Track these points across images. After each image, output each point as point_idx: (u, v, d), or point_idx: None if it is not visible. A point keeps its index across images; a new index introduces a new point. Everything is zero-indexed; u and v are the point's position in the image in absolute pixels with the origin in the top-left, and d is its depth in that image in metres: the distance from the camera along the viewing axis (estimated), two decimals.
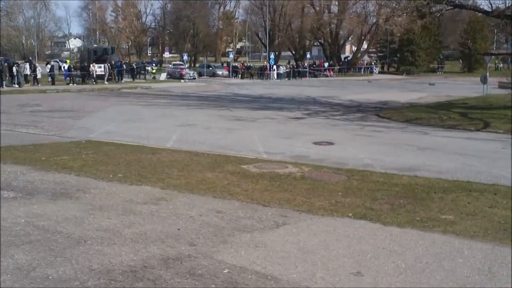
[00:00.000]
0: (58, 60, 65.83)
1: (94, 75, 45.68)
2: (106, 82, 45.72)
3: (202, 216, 8.09)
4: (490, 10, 26.97)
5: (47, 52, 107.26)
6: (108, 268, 6.00)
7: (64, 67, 46.32)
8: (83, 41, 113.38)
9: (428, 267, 6.21)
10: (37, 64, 46.59)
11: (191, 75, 56.32)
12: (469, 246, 6.95)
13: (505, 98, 27.97)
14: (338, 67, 70.60)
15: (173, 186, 9.92)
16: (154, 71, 57.38)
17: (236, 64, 69.75)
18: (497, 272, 6.09)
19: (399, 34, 69.71)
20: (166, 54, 68.10)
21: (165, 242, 6.91)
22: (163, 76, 56.07)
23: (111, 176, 10.70)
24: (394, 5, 30.18)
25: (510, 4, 26.32)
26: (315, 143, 16.26)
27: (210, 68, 65.04)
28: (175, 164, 12.08)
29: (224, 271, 5.99)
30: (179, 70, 56.68)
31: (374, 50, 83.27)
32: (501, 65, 71.24)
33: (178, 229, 7.44)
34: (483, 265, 6.29)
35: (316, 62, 71.00)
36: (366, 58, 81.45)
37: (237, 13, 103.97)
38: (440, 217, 8.25)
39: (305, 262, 6.33)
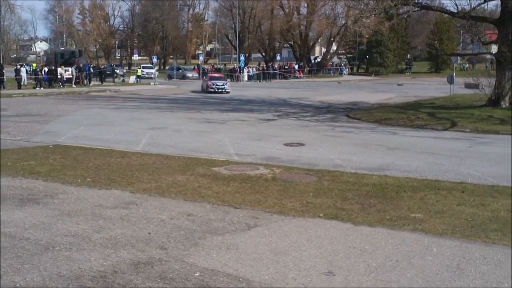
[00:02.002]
0: (24, 64, 64.65)
1: (64, 78, 45.02)
2: (74, 86, 45.12)
3: (173, 220, 8.03)
4: (455, 11, 27.45)
5: (12, 56, 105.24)
6: (77, 274, 5.90)
7: (45, 70, 45.37)
8: (50, 44, 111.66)
9: (398, 265, 6.28)
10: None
11: (220, 86, 41.21)
12: (438, 243, 7.05)
13: (472, 98, 28.52)
14: (308, 68, 70.99)
15: (143, 190, 9.83)
16: (139, 73, 56.69)
17: (206, 67, 69.58)
18: (465, 268, 6.19)
19: (367, 36, 70.51)
20: (135, 57, 67.58)
21: (135, 246, 6.83)
22: (132, 79, 55.50)
23: (79, 180, 10.54)
24: (362, 6, 30.48)
25: (475, 5, 26.88)
26: (286, 145, 16.32)
27: (180, 71, 64.76)
28: (145, 167, 11.98)
29: (196, 274, 5.95)
30: (207, 81, 42.22)
31: (343, 51, 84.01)
32: (467, 65, 72.58)
33: (149, 233, 7.37)
34: (452, 262, 6.39)
35: (287, 64, 71.31)
36: (335, 59, 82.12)
37: (206, 15, 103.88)
38: (410, 215, 8.36)
39: (277, 263, 6.34)
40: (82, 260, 6.30)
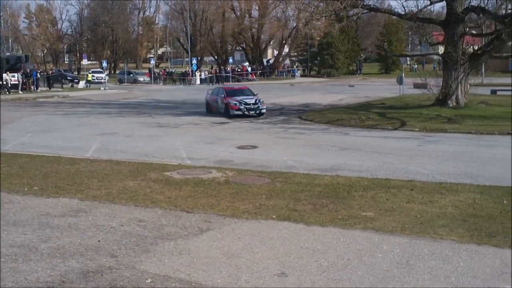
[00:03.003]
0: None
1: (9, 85, 43.70)
2: (20, 92, 43.85)
3: (123, 226, 7.89)
4: (403, 13, 28.05)
5: None
6: (24, 285, 5.72)
7: None
8: None
9: (349, 263, 6.34)
10: None
11: (252, 106, 25.57)
12: (388, 241, 7.17)
13: (420, 98, 29.21)
14: (260, 71, 71.22)
15: (92, 197, 9.62)
16: (89, 78, 55.21)
17: (158, 70, 68.94)
18: (414, 264, 6.31)
19: (318, 38, 71.43)
20: (84, 61, 66.28)
21: (84, 255, 6.67)
22: (82, 84, 54.32)
23: (26, 189, 10.23)
24: (312, 9, 30.80)
25: (422, 7, 27.56)
26: (239, 147, 16.30)
27: (131, 75, 63.93)
28: (95, 174, 11.73)
29: (147, 281, 5.86)
30: (225, 98, 26.11)
31: (295, 53, 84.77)
32: (416, 66, 74.37)
33: (99, 241, 7.21)
34: (401, 258, 6.51)
35: (240, 67, 71.37)
36: (287, 61, 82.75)
37: (157, 18, 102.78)
38: (361, 214, 8.48)
39: (229, 266, 6.31)
40: (29, 271, 6.10)
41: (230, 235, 7.48)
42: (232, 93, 26.87)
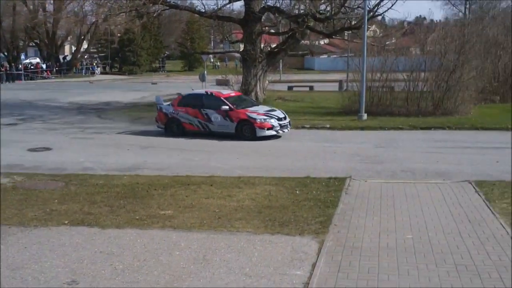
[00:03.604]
0: None
1: None
2: None
3: None
4: (203, 11, 28.53)
5: None
6: None
7: None
8: None
9: (145, 264, 6.17)
10: None
11: (283, 122, 17.85)
12: (186, 238, 7.14)
13: None
14: (57, 68, 67.36)
15: None
16: None
17: None
18: (211, 259, 6.36)
19: (119, 34, 69.70)
20: None
21: None
22: None
23: None
24: (111, 4, 29.83)
25: (221, 5, 28.30)
26: (30, 150, 15.11)
27: None
28: None
29: None
30: (221, 112, 17.62)
31: (95, 50, 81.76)
32: (219, 63, 76.65)
33: None
34: (198, 254, 6.51)
35: (33, 63, 66.64)
36: (87, 58, 79.50)
37: None
38: (160, 213, 8.35)
39: (13, 279, 5.75)
40: None
41: (15, 246, 6.81)
42: (237, 103, 18.64)
